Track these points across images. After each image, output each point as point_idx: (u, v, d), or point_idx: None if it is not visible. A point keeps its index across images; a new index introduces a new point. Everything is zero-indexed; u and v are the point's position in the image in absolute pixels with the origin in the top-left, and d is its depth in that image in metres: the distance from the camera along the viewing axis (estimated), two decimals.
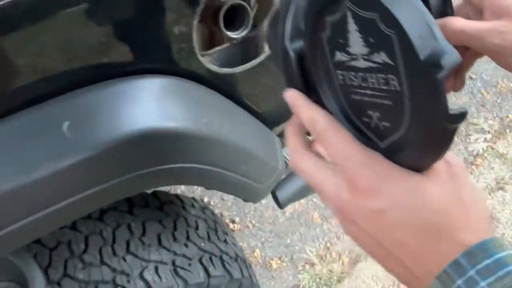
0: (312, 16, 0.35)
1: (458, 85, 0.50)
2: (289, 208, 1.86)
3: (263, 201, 1.89)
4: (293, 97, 0.39)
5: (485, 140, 2.07)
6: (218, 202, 1.85)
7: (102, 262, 0.82)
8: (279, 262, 1.71)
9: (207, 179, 0.73)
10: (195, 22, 0.65)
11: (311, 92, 0.39)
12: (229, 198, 1.88)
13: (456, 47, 0.28)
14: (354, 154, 0.34)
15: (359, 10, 0.31)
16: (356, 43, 0.32)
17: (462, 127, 2.12)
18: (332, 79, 0.37)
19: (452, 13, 0.47)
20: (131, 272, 0.82)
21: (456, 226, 0.32)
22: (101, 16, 0.58)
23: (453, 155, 0.34)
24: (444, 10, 0.46)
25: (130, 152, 0.60)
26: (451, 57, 0.27)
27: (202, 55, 0.69)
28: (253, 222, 1.82)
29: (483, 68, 2.35)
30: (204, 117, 0.68)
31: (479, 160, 2.00)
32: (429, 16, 0.28)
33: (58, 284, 0.78)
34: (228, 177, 0.76)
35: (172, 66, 0.66)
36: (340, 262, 1.71)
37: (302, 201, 1.87)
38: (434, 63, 0.27)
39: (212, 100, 0.73)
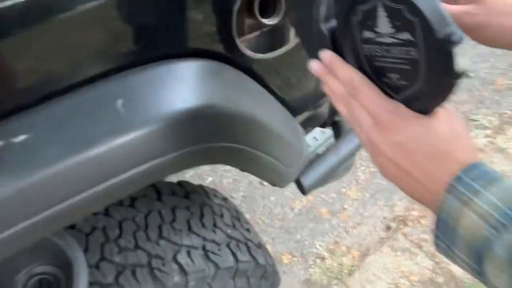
0: (346, 5, 0.46)
1: None
2: (297, 204, 1.89)
3: (272, 198, 1.91)
4: (332, 57, 0.50)
5: (486, 135, 2.12)
6: None
7: (137, 246, 0.84)
8: (289, 257, 1.73)
9: (244, 159, 0.76)
10: (236, 8, 0.68)
11: None
12: (238, 196, 1.91)
13: None
14: (383, 103, 0.47)
15: (390, 2, 0.42)
16: (384, 25, 0.44)
17: None
18: (358, 51, 0.48)
19: None
20: (165, 255, 0.84)
21: (455, 151, 0.45)
22: (148, 4, 0.61)
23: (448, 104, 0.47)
24: None
25: (178, 129, 0.62)
26: (459, 36, 0.39)
27: (240, 41, 0.72)
28: (263, 218, 1.84)
29: (480, 66, 2.42)
30: (243, 99, 0.71)
31: (481, 155, 2.05)
32: (443, 8, 0.39)
33: (97, 267, 0.79)
34: (263, 159, 0.78)
35: (213, 50, 0.69)
36: (350, 255, 1.73)
37: (310, 197, 1.90)
38: (448, 40, 0.39)
39: (247, 83, 0.76)
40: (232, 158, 0.75)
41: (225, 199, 1.11)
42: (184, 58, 0.67)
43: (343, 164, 1.08)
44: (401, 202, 1.88)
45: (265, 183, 1.97)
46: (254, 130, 0.74)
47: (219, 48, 0.70)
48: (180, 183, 1.04)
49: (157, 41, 0.64)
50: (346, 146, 1.09)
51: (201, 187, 1.07)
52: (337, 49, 0.50)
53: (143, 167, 0.60)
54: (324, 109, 1.14)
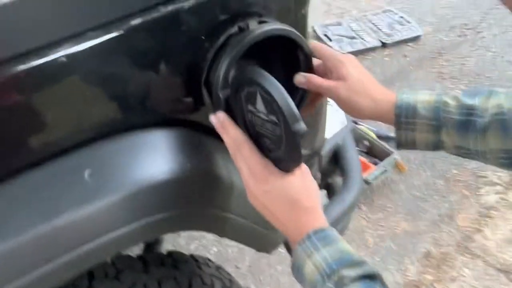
0: (236, 83, 0.64)
1: (312, 110, 0.83)
2: None
3: (278, 267, 1.86)
4: (224, 118, 0.66)
5: (496, 192, 2.06)
6: (232, 270, 1.82)
7: None
8: None
9: (223, 225, 0.75)
10: (203, 79, 0.71)
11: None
12: (244, 265, 1.86)
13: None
14: (258, 160, 0.63)
15: (265, 94, 0.58)
16: (260, 106, 0.60)
17: (471, 181, 2.13)
18: (244, 116, 0.65)
19: (312, 68, 0.74)
20: None
21: (304, 199, 0.62)
22: (125, 77, 0.64)
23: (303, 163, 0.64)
24: (308, 66, 0.74)
25: (149, 197, 0.63)
26: (304, 129, 0.57)
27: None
28: None
29: None
30: (217, 164, 0.72)
31: (493, 213, 1.98)
32: (296, 109, 0.57)
33: None
34: (243, 224, 0.78)
35: (185, 119, 0.72)
36: None
37: None
38: (297, 133, 0.57)
39: (222, 149, 0.77)
40: (209, 224, 0.75)
41: (218, 267, 1.09)
42: (156, 127, 0.69)
43: (335, 227, 1.05)
44: (413, 266, 1.80)
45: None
46: (232, 195, 0.74)
47: (191, 116, 0.73)
48: (170, 253, 1.02)
49: (127, 111, 0.66)
50: (337, 208, 1.07)
51: (192, 256, 1.05)
52: (230, 110, 0.67)
53: (109, 236, 0.61)
54: (314, 171, 1.14)
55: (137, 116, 0.68)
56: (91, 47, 0.58)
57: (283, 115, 0.57)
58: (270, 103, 0.58)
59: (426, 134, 0.70)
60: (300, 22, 0.75)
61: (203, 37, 0.66)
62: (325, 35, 2.97)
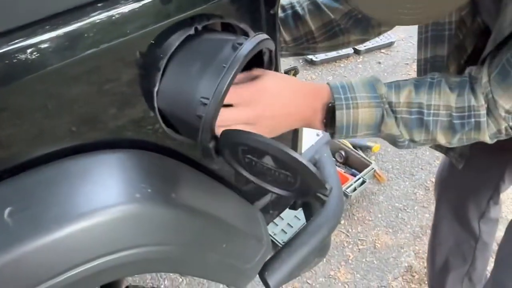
0: (236, 146, 0.57)
1: None
2: None
3: None
4: None
5: None
6: None
7: None
8: None
9: (182, 263, 0.64)
10: (156, 90, 0.60)
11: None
12: None
13: None
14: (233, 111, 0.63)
15: (280, 159, 0.55)
16: (268, 161, 0.56)
17: None
18: (238, 154, 0.59)
19: (278, 63, 0.71)
20: None
21: (299, 84, 0.67)
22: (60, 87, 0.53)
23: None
24: (271, 60, 0.69)
25: (87, 238, 0.51)
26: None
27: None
28: None
29: None
30: (173, 192, 0.61)
31: None
32: (318, 173, 0.55)
33: None
34: (208, 258, 0.67)
35: (135, 138, 0.60)
36: None
37: (296, 284, 1.73)
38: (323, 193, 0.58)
39: (180, 172, 0.66)
40: (166, 264, 0.63)
41: None
42: (102, 150, 0.58)
43: (315, 252, 0.95)
44: (396, 282, 1.72)
45: None
46: (191, 226, 0.63)
47: (145, 136, 0.62)
48: None
49: (63, 131, 0.55)
50: (317, 230, 0.97)
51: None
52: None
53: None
54: None
55: (76, 138, 0.56)
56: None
57: (307, 184, 0.56)
58: (284, 164, 0.55)
59: None
60: (269, 23, 0.65)
61: (152, 42, 0.55)
62: None
